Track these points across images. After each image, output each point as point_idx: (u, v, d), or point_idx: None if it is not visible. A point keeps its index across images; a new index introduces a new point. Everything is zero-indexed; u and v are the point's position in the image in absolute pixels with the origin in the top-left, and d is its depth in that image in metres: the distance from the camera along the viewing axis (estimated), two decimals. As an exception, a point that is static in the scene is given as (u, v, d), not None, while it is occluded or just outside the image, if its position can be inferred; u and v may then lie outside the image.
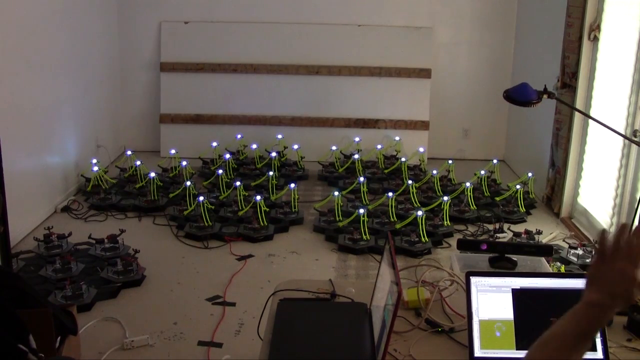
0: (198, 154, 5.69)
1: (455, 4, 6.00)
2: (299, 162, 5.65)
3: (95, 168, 4.97)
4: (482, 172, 5.17)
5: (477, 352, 1.61)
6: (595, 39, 4.31)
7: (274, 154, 5.46)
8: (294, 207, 4.60)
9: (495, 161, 5.43)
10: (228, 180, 5.03)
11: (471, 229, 4.53)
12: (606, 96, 4.17)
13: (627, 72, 3.83)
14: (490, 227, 4.46)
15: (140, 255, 3.77)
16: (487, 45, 6.08)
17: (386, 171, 5.48)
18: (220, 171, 4.98)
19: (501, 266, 2.43)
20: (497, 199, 4.91)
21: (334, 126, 6.04)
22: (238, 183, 4.69)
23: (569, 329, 1.13)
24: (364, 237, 4.16)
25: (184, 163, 5.22)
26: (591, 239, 4.18)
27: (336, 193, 4.51)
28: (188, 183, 4.76)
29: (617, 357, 1.65)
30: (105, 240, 3.91)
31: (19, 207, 3.95)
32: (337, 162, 5.62)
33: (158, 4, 5.97)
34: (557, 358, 1.09)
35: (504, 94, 2.32)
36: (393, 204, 4.51)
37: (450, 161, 5.42)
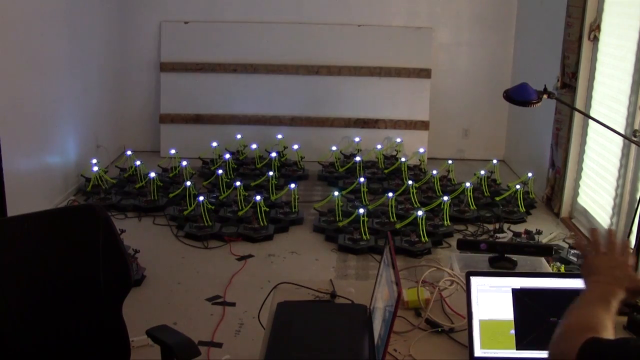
0: (198, 154, 5.69)
1: (455, 4, 6.00)
2: (299, 162, 5.65)
3: (95, 168, 4.97)
4: (482, 172, 5.17)
5: (477, 352, 1.61)
6: (595, 39, 4.31)
7: (273, 154, 5.46)
8: (294, 207, 4.60)
9: (495, 161, 5.43)
10: (228, 181, 5.03)
11: (471, 229, 4.53)
12: (606, 96, 4.17)
13: (627, 72, 3.83)
14: (490, 227, 4.46)
15: (140, 255, 3.77)
16: (487, 45, 6.08)
17: (386, 171, 5.48)
18: (220, 171, 4.98)
19: (501, 266, 2.43)
20: (497, 199, 4.91)
21: (334, 126, 6.04)
22: (238, 183, 4.69)
23: (580, 298, 1.25)
24: (364, 237, 4.16)
25: (184, 163, 5.22)
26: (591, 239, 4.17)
27: (336, 193, 4.52)
28: (188, 183, 4.76)
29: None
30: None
31: (19, 207, 3.94)
32: (337, 162, 5.62)
33: (158, 4, 5.97)
34: (584, 314, 1.20)
35: (504, 94, 2.32)
36: (393, 204, 4.51)
37: (450, 161, 5.42)
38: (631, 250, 1.39)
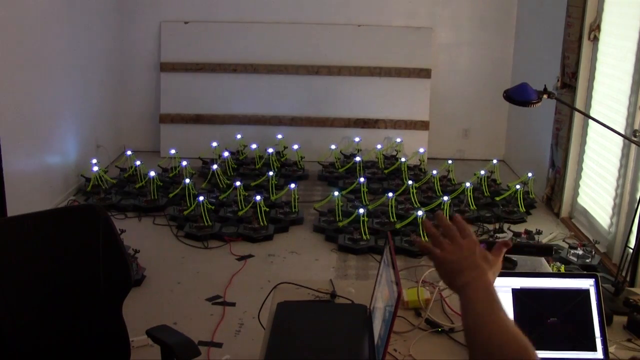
0: (198, 154, 5.69)
1: (455, 5, 6.00)
2: (299, 162, 5.65)
3: (95, 168, 4.97)
4: (482, 172, 5.17)
5: (477, 352, 1.61)
6: (595, 39, 4.31)
7: (270, 150, 5.46)
8: (294, 207, 4.60)
9: (495, 161, 5.43)
10: (228, 181, 5.03)
11: (471, 229, 4.52)
12: (606, 96, 4.17)
13: (627, 72, 3.83)
14: (490, 227, 4.46)
15: (140, 255, 3.77)
16: (487, 45, 6.08)
17: (386, 171, 5.48)
18: (215, 166, 4.97)
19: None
20: (497, 199, 4.91)
21: (334, 126, 6.04)
22: (238, 183, 4.69)
23: (475, 314, 1.10)
24: (364, 237, 4.16)
25: (184, 163, 5.22)
26: (591, 238, 4.18)
27: (336, 193, 4.51)
28: (187, 181, 4.75)
29: (617, 357, 1.65)
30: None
31: (19, 207, 3.94)
32: (337, 162, 5.62)
33: (158, 4, 5.97)
34: (498, 332, 1.06)
35: (504, 94, 2.32)
36: (393, 204, 4.51)
37: (450, 161, 5.42)
38: (465, 224, 1.24)
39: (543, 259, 2.64)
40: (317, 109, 6.04)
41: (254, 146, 5.65)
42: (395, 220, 4.43)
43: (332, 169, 5.56)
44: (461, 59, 6.14)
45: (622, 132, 3.75)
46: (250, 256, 4.03)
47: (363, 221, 4.20)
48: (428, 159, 5.87)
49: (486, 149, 6.22)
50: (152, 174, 4.85)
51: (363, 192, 4.86)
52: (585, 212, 4.46)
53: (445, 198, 4.51)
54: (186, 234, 4.28)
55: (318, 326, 1.74)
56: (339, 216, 4.44)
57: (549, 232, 4.45)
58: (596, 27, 4.27)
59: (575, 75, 4.47)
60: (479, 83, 6.14)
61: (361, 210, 4.25)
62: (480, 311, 1.09)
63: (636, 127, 3.70)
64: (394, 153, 5.83)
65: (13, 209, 3.57)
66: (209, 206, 4.50)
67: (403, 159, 5.45)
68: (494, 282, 1.16)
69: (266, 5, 5.97)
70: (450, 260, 1.18)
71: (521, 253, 2.51)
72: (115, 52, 5.92)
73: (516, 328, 1.06)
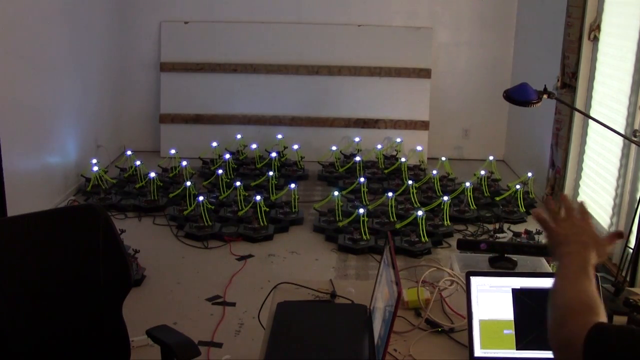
0: (198, 154, 5.69)
1: (455, 4, 6.00)
2: (299, 162, 5.65)
3: (95, 168, 4.97)
4: (482, 172, 5.18)
5: (477, 352, 1.61)
6: (595, 39, 4.31)
7: (274, 154, 5.46)
8: (294, 207, 4.60)
9: (491, 158, 5.44)
10: (228, 181, 5.03)
11: (471, 229, 4.53)
12: (606, 96, 4.17)
13: (627, 72, 3.82)
14: (490, 227, 4.46)
15: (140, 255, 3.77)
16: (487, 46, 6.08)
17: (386, 171, 5.48)
18: (220, 171, 4.98)
19: (501, 266, 2.43)
20: (497, 199, 4.91)
21: (334, 126, 6.04)
22: (238, 183, 4.69)
23: (562, 276, 1.21)
24: (364, 237, 4.16)
25: (184, 163, 5.22)
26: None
27: (336, 193, 4.51)
28: (188, 183, 4.76)
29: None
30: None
31: (19, 207, 3.94)
32: (337, 162, 5.62)
33: (158, 4, 5.97)
34: (575, 292, 1.16)
35: (504, 94, 2.32)
36: (393, 204, 4.51)
37: (443, 158, 5.44)
38: (589, 211, 1.34)
39: (543, 259, 2.64)
40: (317, 109, 6.04)
41: (254, 146, 5.65)
42: (395, 220, 4.43)
43: (332, 169, 5.56)
44: (461, 58, 6.14)
45: (622, 132, 3.75)
46: (250, 256, 4.03)
47: (363, 221, 4.20)
48: (428, 158, 5.87)
49: (486, 149, 6.21)
50: (153, 175, 4.85)
51: (363, 192, 4.86)
52: (585, 212, 4.45)
53: (445, 198, 4.51)
54: (186, 234, 4.28)
55: (318, 326, 1.74)
56: (339, 216, 4.44)
57: (549, 232, 4.44)
58: (596, 27, 4.27)
59: (575, 75, 4.47)
60: (479, 83, 6.14)
61: (361, 210, 4.25)
62: (568, 275, 1.20)
63: (636, 127, 3.70)
64: (394, 153, 5.84)
65: (13, 209, 3.57)
66: (209, 206, 4.50)
67: (403, 159, 5.45)
68: (595, 263, 1.24)
69: (266, 5, 5.97)
70: (559, 233, 1.30)
71: (521, 253, 2.52)
72: (115, 52, 5.92)
73: (594, 294, 1.15)
